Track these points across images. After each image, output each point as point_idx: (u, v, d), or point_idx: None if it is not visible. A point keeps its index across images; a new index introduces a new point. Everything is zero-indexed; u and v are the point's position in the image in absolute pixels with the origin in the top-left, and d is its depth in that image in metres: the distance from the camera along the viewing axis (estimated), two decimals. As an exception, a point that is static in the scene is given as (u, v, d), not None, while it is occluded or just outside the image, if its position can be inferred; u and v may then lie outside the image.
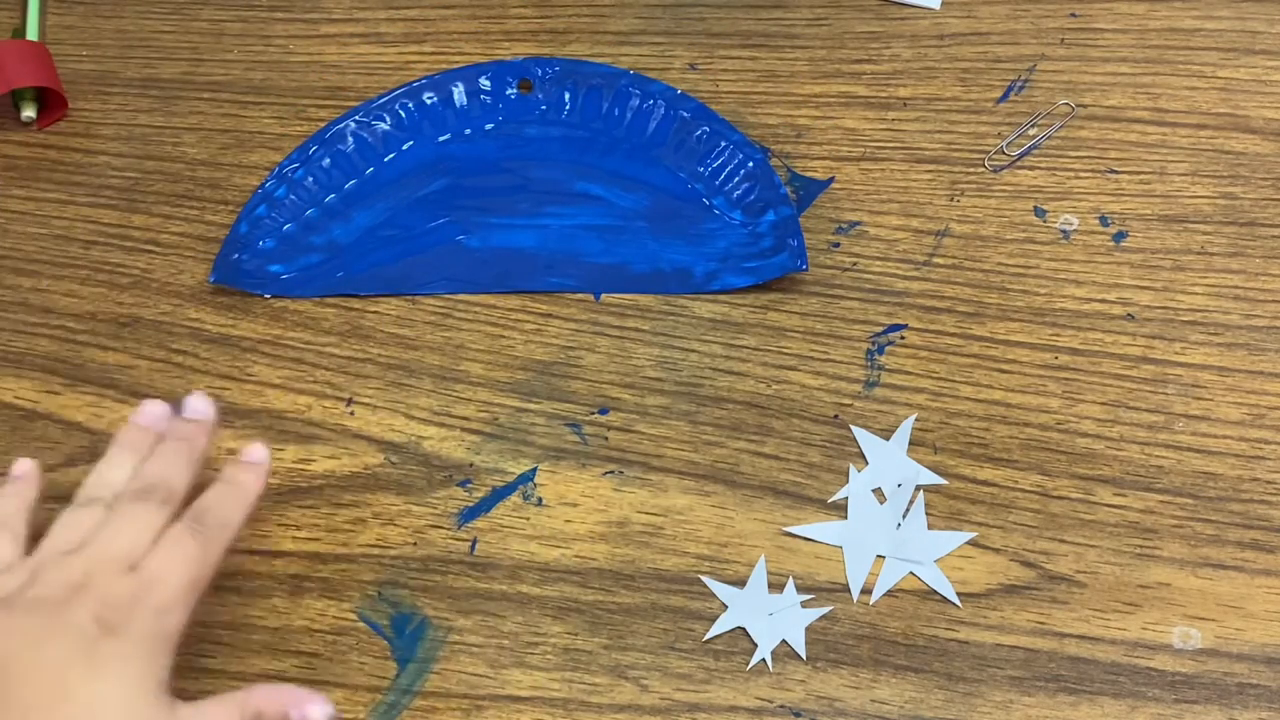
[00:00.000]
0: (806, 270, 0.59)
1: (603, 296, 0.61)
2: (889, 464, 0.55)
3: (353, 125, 0.65)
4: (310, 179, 0.64)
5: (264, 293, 0.61)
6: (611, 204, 0.63)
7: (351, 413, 0.58)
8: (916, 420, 0.56)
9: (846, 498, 0.54)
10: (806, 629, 0.51)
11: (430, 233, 0.62)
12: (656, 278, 0.61)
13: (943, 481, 0.55)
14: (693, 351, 0.59)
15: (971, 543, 0.53)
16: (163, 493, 0.47)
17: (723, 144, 0.63)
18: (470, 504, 0.55)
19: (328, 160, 0.64)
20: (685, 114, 0.64)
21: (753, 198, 0.62)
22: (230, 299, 0.61)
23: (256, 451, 0.50)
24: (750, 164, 0.63)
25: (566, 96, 0.66)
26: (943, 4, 0.70)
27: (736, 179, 0.63)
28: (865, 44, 0.68)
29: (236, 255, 0.61)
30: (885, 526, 0.54)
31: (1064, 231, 0.61)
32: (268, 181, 0.63)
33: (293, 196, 0.63)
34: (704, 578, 0.53)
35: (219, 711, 0.44)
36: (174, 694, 0.43)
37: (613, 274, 0.61)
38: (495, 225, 0.63)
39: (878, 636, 0.51)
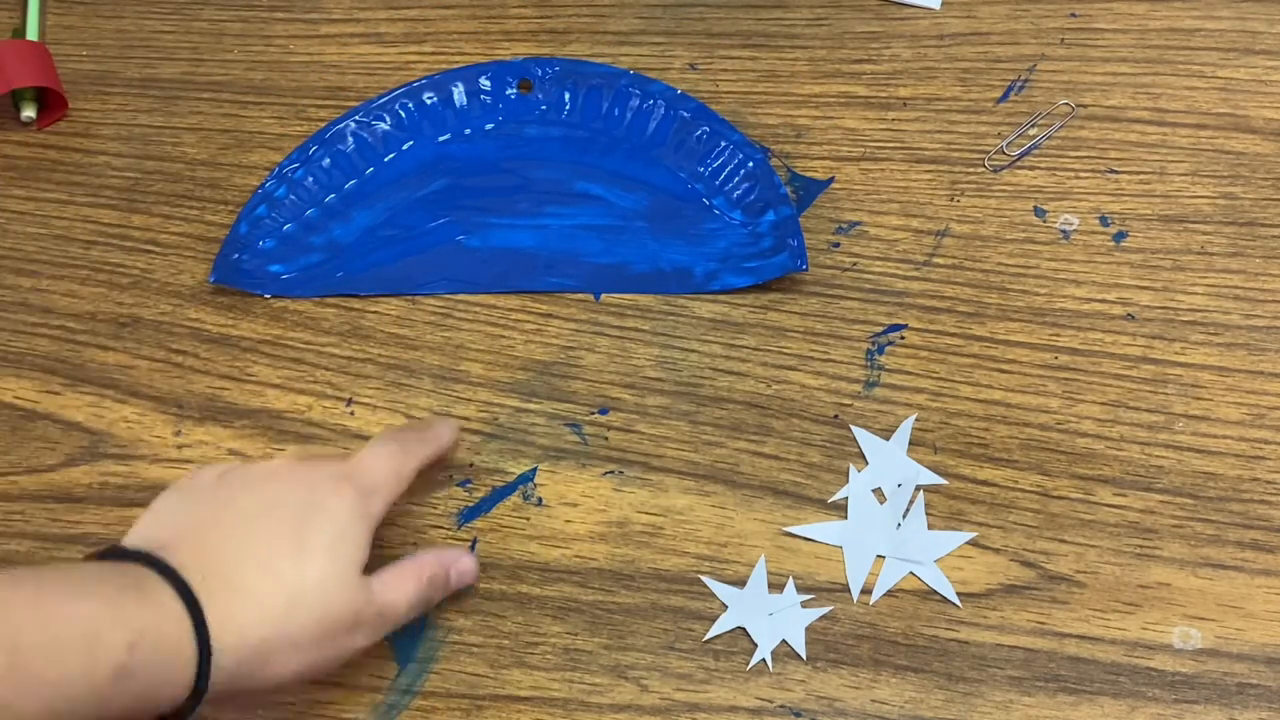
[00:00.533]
0: (806, 270, 0.59)
1: (603, 296, 0.61)
2: (889, 464, 0.55)
3: (353, 125, 0.65)
4: (310, 179, 0.64)
5: (264, 293, 0.61)
6: (611, 204, 0.63)
7: (352, 413, 0.58)
8: (916, 420, 0.56)
9: (846, 498, 0.54)
10: (806, 629, 0.51)
11: (430, 233, 0.62)
12: (656, 278, 0.61)
13: (943, 481, 0.55)
14: (693, 351, 0.59)
15: (971, 543, 0.53)
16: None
17: (723, 144, 0.63)
18: (470, 504, 0.55)
19: (328, 160, 0.64)
20: (685, 114, 0.64)
21: (753, 198, 0.62)
22: (230, 299, 0.61)
23: (453, 421, 0.55)
24: (750, 164, 0.63)
25: (566, 96, 0.66)
26: (943, 4, 0.70)
27: (736, 179, 0.63)
28: (865, 44, 0.68)
29: (236, 255, 0.61)
30: (885, 526, 0.54)
31: (1064, 231, 0.61)
32: (268, 181, 0.63)
33: (293, 196, 0.63)
34: (704, 578, 0.53)
35: (403, 578, 0.49)
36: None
37: (613, 274, 0.61)
38: (495, 225, 0.63)
39: (878, 636, 0.51)
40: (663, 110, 0.65)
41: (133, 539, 0.46)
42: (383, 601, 0.48)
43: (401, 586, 0.49)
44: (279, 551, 0.45)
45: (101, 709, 0.41)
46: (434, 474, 0.55)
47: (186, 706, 0.43)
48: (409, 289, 0.61)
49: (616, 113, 0.65)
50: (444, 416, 0.57)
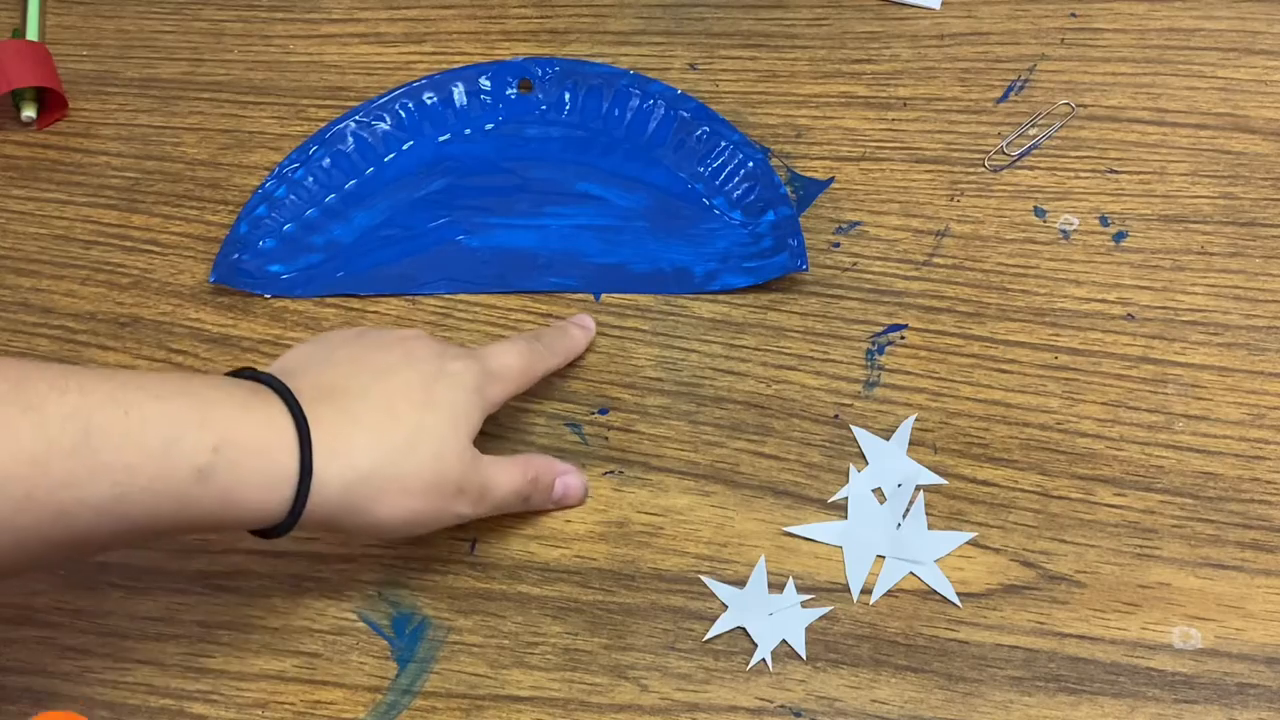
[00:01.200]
0: (806, 270, 0.59)
1: (603, 296, 0.61)
2: (889, 464, 0.55)
3: (353, 125, 0.65)
4: (310, 179, 0.64)
5: (264, 293, 0.61)
6: (611, 204, 0.63)
7: (351, 413, 0.58)
8: (916, 420, 0.56)
9: (846, 498, 0.54)
10: (806, 629, 0.51)
11: (430, 232, 0.62)
12: (656, 278, 0.61)
13: (943, 481, 0.55)
14: (693, 351, 0.59)
15: (971, 543, 0.53)
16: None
17: (723, 144, 0.63)
18: (470, 504, 0.55)
19: (328, 160, 0.64)
20: (685, 114, 0.64)
21: (753, 198, 0.62)
22: (230, 299, 0.61)
23: (586, 319, 0.59)
24: (750, 164, 0.63)
25: (566, 96, 0.66)
26: (943, 4, 0.70)
27: (736, 179, 0.63)
28: (865, 44, 0.68)
29: (237, 255, 0.61)
30: (885, 526, 0.54)
31: (1064, 231, 0.61)
32: (268, 182, 0.63)
33: (293, 196, 0.63)
34: (704, 578, 0.53)
35: (510, 468, 0.51)
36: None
37: (613, 274, 0.61)
38: (495, 225, 0.63)
39: (878, 636, 0.51)
40: (663, 110, 0.65)
41: (264, 370, 0.47)
42: (488, 476, 0.49)
43: (508, 471, 0.51)
44: (405, 398, 0.47)
45: (182, 508, 0.42)
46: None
47: (284, 524, 0.44)
48: (409, 289, 0.61)
49: (616, 113, 0.65)
50: (576, 323, 0.58)
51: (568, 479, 0.54)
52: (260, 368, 0.48)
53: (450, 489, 0.48)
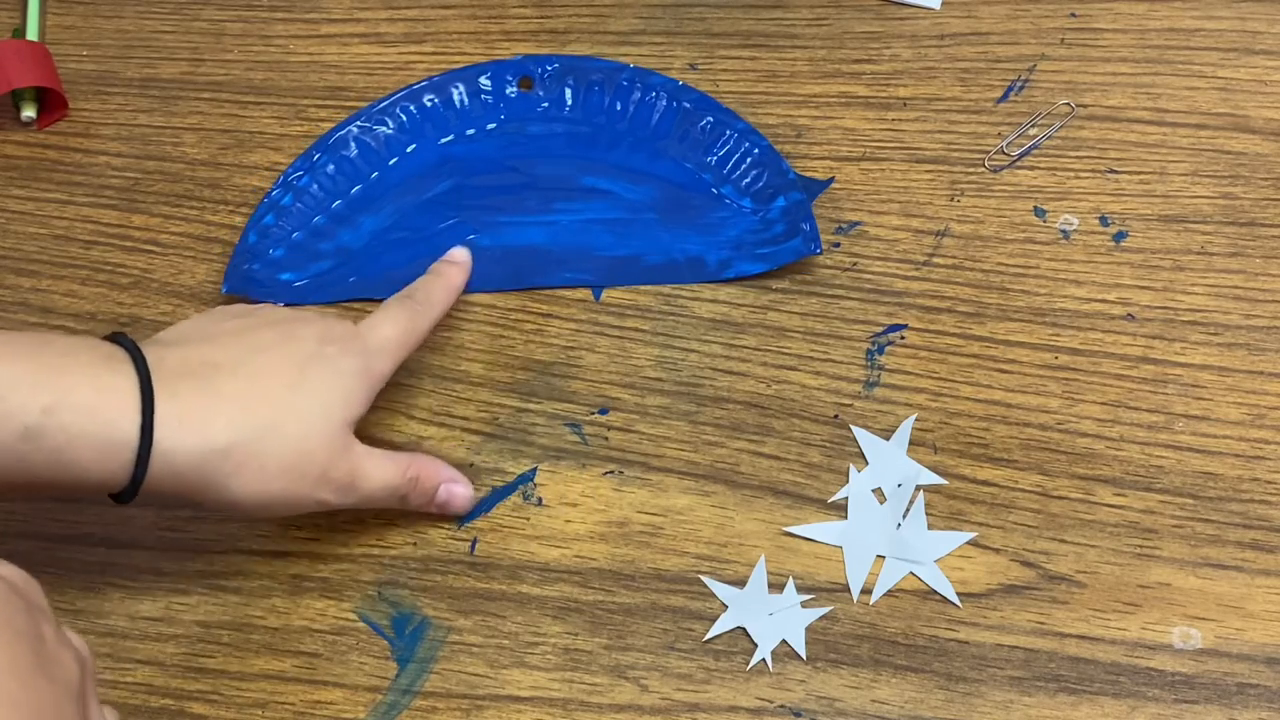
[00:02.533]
0: (820, 254, 0.59)
1: (603, 296, 0.61)
2: (889, 464, 0.55)
3: (355, 130, 0.65)
4: (316, 186, 0.64)
5: (278, 301, 0.61)
6: (620, 197, 0.63)
7: (351, 413, 0.58)
8: (916, 420, 0.56)
9: (846, 498, 0.54)
10: (806, 629, 0.51)
11: (441, 234, 0.62)
12: (670, 268, 0.61)
13: (943, 481, 0.55)
14: (693, 351, 0.59)
15: (971, 543, 0.53)
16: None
17: (728, 132, 0.64)
18: (470, 504, 0.55)
19: (332, 167, 0.64)
20: (688, 105, 0.64)
21: (761, 184, 0.62)
22: (230, 298, 0.61)
23: (459, 252, 0.59)
24: (756, 150, 0.63)
25: (567, 93, 0.66)
26: (943, 4, 0.70)
27: (744, 166, 0.63)
28: (865, 44, 0.68)
29: (248, 265, 0.61)
30: (885, 526, 0.54)
31: (1064, 231, 0.61)
32: (274, 190, 0.63)
33: (299, 204, 0.63)
34: (704, 578, 0.53)
35: (387, 463, 0.50)
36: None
37: (626, 266, 0.61)
38: (505, 223, 0.63)
39: (878, 636, 0.51)
40: (665, 102, 0.65)
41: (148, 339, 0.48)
42: (357, 465, 0.49)
43: (383, 466, 0.50)
44: (277, 377, 0.47)
45: (20, 465, 0.43)
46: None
47: (126, 491, 0.45)
48: None
49: (619, 107, 0.65)
50: (448, 259, 0.58)
51: (454, 487, 0.53)
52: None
53: (314, 473, 0.47)
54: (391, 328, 0.52)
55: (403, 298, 0.54)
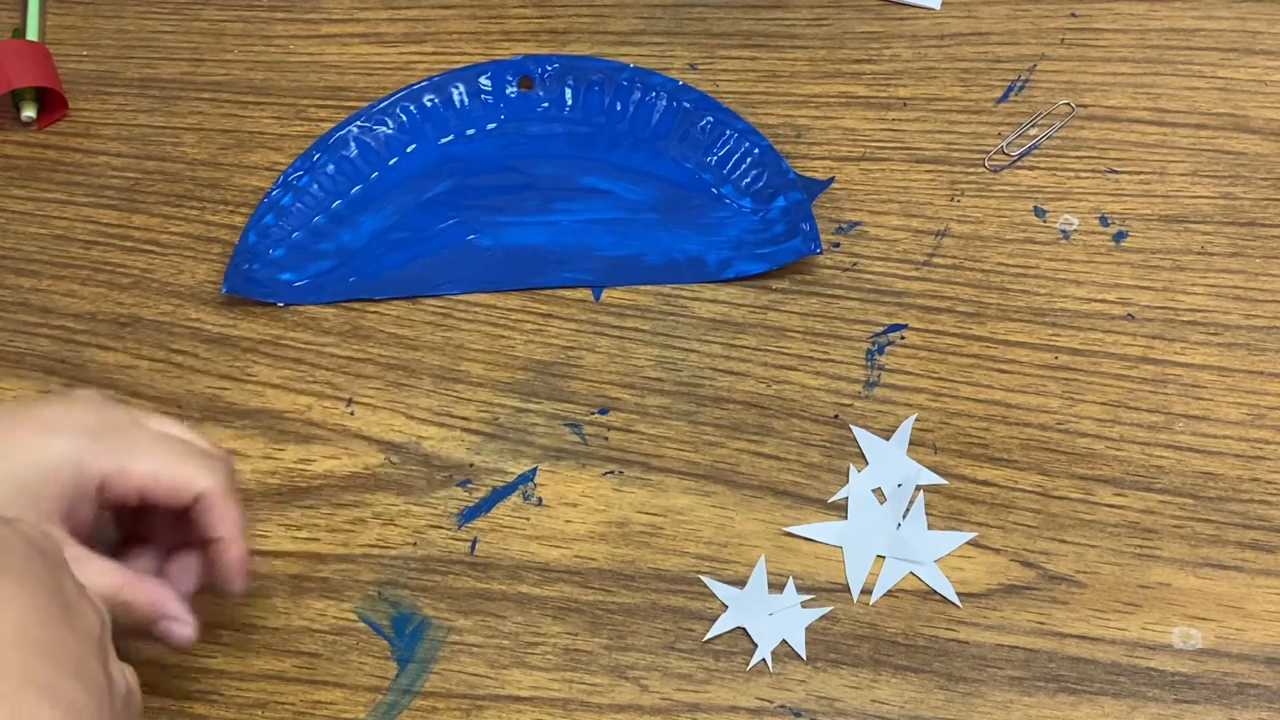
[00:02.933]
0: (820, 254, 0.59)
1: (603, 296, 0.61)
2: (889, 464, 0.55)
3: (355, 130, 0.65)
4: (316, 186, 0.64)
5: (278, 301, 0.61)
6: (620, 197, 0.63)
7: (352, 413, 0.58)
8: (916, 420, 0.56)
9: (846, 498, 0.54)
10: (806, 629, 0.51)
11: (441, 234, 0.62)
12: (670, 268, 0.61)
13: (943, 481, 0.55)
14: (693, 351, 0.59)
15: (971, 543, 0.53)
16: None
17: (728, 132, 0.64)
18: (470, 504, 0.55)
19: (332, 167, 0.64)
20: (688, 105, 0.64)
21: (761, 184, 0.62)
22: (230, 299, 0.61)
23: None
24: (756, 150, 0.63)
25: (567, 93, 0.66)
26: (943, 4, 0.70)
27: (744, 166, 0.63)
28: (865, 44, 0.68)
29: (248, 265, 0.61)
30: (885, 526, 0.54)
31: (1064, 231, 0.61)
32: (274, 190, 0.63)
33: (299, 204, 0.63)
34: (704, 578, 0.53)
35: (97, 573, 0.43)
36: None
37: (626, 266, 0.61)
38: (505, 224, 0.63)
39: (878, 636, 0.51)
40: (665, 102, 0.65)
41: None
42: (62, 548, 0.41)
43: (100, 566, 0.45)
44: None
45: None
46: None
47: None
48: (423, 291, 0.61)
49: (619, 107, 0.65)
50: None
51: (173, 625, 0.46)
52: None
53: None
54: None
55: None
